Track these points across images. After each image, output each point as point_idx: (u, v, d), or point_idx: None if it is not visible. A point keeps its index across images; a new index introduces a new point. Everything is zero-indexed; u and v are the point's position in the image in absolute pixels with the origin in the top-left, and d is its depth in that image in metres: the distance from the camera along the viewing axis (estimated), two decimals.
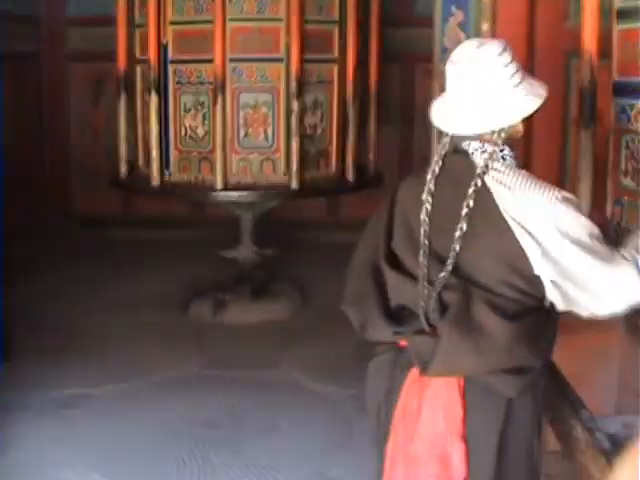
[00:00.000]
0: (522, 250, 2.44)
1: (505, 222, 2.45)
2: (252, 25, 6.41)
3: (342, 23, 6.68)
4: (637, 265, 2.43)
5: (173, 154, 6.64)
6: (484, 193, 2.48)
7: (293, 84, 6.34)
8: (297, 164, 6.42)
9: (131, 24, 6.82)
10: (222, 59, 6.28)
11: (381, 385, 2.71)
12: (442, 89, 2.59)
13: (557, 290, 2.47)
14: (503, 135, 2.53)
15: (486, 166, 2.49)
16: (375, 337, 2.68)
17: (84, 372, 5.68)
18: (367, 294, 2.64)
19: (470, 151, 2.54)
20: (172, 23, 6.51)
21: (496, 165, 2.51)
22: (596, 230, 2.46)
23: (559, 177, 3.62)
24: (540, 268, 2.45)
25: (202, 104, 6.55)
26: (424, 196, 2.55)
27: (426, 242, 2.54)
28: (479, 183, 2.48)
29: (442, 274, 2.49)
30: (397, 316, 2.61)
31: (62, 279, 7.76)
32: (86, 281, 7.69)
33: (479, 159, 2.51)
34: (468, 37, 3.48)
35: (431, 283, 2.51)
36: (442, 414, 2.52)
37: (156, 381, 5.59)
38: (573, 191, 2.78)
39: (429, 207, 2.54)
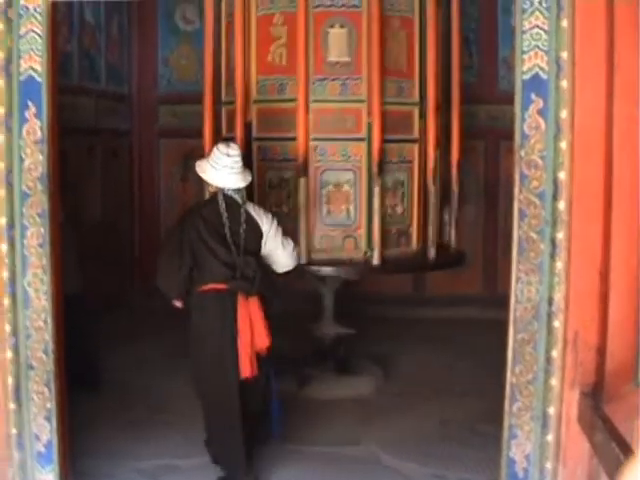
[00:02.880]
0: (261, 236, 5.33)
1: (257, 223, 5.31)
2: (334, 106, 6.60)
3: (422, 104, 6.81)
4: (292, 246, 5.58)
5: None
6: (247, 212, 5.29)
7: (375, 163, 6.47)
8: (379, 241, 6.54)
9: (217, 102, 7.03)
10: (305, 138, 6.45)
11: (217, 312, 5.12)
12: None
13: (270, 255, 5.46)
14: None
15: (243, 201, 5.28)
16: (216, 280, 5.14)
17: (170, 444, 5.78)
18: (204, 259, 5.17)
19: (231, 195, 5.25)
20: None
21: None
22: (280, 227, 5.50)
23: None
24: (266, 244, 5.39)
25: (286, 181, 6.74)
26: (224, 216, 5.19)
27: (229, 237, 5.17)
28: (244, 208, 5.28)
29: (241, 249, 5.18)
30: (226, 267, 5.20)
31: (148, 353, 7.93)
32: (169, 354, 7.80)
33: (238, 198, 5.27)
34: (547, 124, 3.56)
35: (237, 253, 5.17)
36: (259, 312, 5.14)
37: None
38: None
39: (227, 221, 5.18)
